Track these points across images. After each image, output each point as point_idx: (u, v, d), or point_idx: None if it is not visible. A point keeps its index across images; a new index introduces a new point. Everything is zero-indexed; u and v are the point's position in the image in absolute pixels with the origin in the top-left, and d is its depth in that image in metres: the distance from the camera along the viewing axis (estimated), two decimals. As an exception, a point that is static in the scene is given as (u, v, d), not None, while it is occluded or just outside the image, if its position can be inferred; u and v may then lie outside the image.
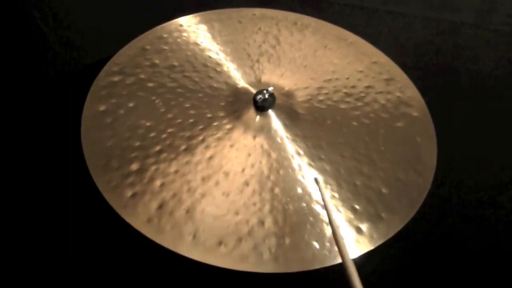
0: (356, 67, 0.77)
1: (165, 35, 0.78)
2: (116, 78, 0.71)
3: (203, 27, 0.80)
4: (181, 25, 0.80)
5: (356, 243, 0.59)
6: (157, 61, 0.74)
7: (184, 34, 0.79)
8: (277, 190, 0.61)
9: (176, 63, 0.74)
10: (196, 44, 0.77)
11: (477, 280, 0.66)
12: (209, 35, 0.79)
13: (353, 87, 0.74)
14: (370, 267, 0.62)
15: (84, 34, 0.86)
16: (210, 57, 0.76)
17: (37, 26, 0.83)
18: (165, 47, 0.76)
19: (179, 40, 0.78)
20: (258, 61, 0.76)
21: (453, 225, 0.71)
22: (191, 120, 0.67)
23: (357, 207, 0.61)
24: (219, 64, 0.75)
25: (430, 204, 0.64)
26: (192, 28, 0.80)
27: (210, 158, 0.64)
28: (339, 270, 0.58)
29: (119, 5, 0.91)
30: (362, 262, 0.58)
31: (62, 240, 0.63)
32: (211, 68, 0.74)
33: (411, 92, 0.75)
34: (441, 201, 0.72)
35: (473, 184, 0.75)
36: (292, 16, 0.85)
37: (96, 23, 0.87)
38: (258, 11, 0.85)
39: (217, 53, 0.76)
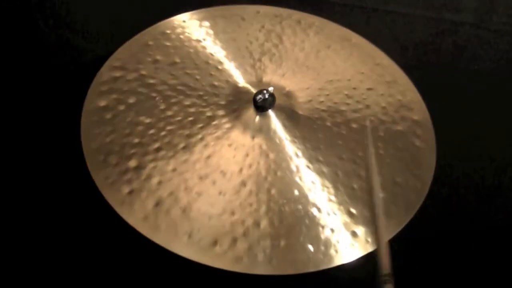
0: (359, 69, 0.76)
1: (168, 31, 0.78)
2: (117, 74, 0.71)
3: (206, 24, 0.80)
4: (184, 21, 0.80)
5: (351, 247, 0.59)
6: (159, 57, 0.74)
7: (187, 30, 0.78)
8: (273, 191, 0.61)
9: (178, 60, 0.74)
10: (199, 41, 0.77)
11: (478, 280, 0.67)
12: (212, 32, 0.79)
13: (354, 88, 0.74)
14: (369, 267, 0.62)
15: (85, 34, 0.86)
16: (212, 54, 0.75)
17: (37, 26, 0.83)
18: (168, 43, 0.76)
19: (181, 36, 0.77)
20: (260, 60, 0.75)
21: (453, 225, 0.71)
22: (190, 118, 0.67)
23: (353, 211, 0.61)
24: (220, 62, 0.74)
25: (430, 204, 0.64)
26: (195, 24, 0.80)
27: (208, 157, 0.64)
28: (333, 273, 0.59)
29: (121, 3, 0.91)
30: (362, 262, 0.59)
31: (56, 235, 0.64)
32: (213, 66, 0.74)
33: (413, 95, 0.74)
34: (441, 201, 0.72)
35: (473, 184, 0.75)
36: (296, 14, 0.84)
37: (97, 23, 0.87)
38: (262, 8, 0.84)
39: (219, 51, 0.76)
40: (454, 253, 0.68)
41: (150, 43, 0.76)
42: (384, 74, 0.77)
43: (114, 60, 0.73)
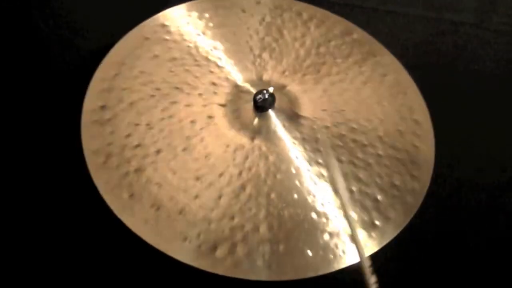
0: (359, 66, 0.76)
1: (167, 23, 0.77)
2: (116, 71, 0.70)
3: (206, 15, 0.78)
4: (184, 12, 0.79)
5: (350, 251, 0.59)
6: (158, 53, 0.73)
7: (187, 22, 0.77)
8: (273, 195, 0.62)
9: (177, 56, 0.73)
10: (198, 35, 0.76)
11: (478, 280, 0.67)
12: (211, 25, 0.77)
13: (354, 88, 0.73)
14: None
15: (85, 34, 0.85)
16: (212, 50, 0.74)
17: (37, 26, 0.82)
18: (167, 37, 0.75)
19: (181, 29, 0.76)
20: (260, 56, 0.74)
21: (453, 225, 0.71)
22: (190, 118, 0.67)
23: (352, 214, 0.62)
24: (220, 59, 0.73)
25: (430, 204, 0.64)
26: (195, 15, 0.78)
27: (208, 159, 0.64)
28: (331, 278, 0.59)
29: (121, 3, 0.90)
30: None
31: (57, 238, 0.64)
32: (213, 62, 0.73)
33: (414, 94, 0.74)
34: (441, 201, 0.72)
35: (473, 185, 0.75)
36: (297, 5, 0.82)
37: (97, 23, 0.86)
38: (262, -1, 0.83)
39: (219, 46, 0.75)
40: (454, 253, 0.68)
41: (149, 36, 0.75)
42: (385, 71, 0.76)
43: (113, 55, 0.72)
